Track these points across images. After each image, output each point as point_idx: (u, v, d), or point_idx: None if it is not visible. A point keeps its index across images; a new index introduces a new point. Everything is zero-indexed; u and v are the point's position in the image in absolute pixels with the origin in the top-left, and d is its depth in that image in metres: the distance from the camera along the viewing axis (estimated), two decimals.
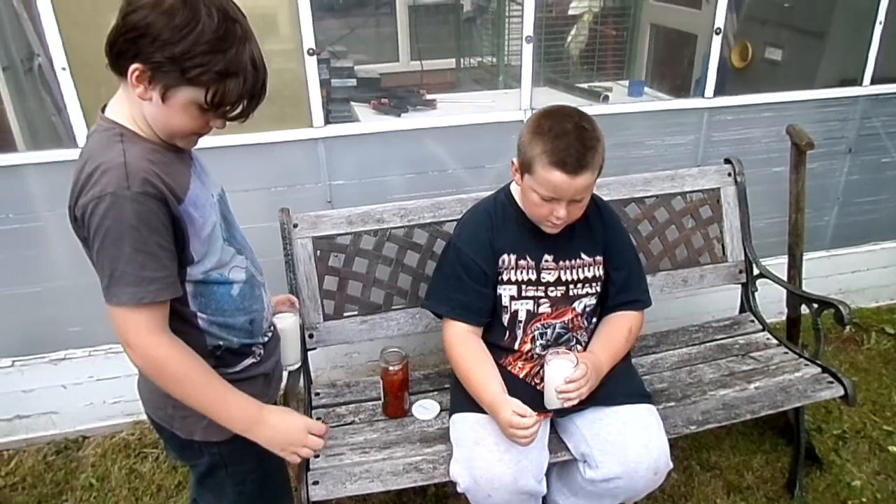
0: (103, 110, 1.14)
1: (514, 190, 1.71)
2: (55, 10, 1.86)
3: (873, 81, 2.62)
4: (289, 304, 1.57)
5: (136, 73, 1.03)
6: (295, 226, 1.87)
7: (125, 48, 1.03)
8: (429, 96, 2.56)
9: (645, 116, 2.46)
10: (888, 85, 2.65)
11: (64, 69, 1.92)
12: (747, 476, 2.16)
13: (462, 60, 3.55)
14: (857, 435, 2.32)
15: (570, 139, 1.49)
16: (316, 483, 1.60)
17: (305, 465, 1.65)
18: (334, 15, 3.56)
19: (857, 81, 2.63)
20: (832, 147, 2.69)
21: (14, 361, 2.24)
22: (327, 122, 2.20)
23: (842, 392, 1.86)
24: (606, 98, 2.58)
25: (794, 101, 2.54)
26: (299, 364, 1.55)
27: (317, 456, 1.68)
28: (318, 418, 1.84)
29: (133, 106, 1.09)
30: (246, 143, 2.11)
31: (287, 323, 1.47)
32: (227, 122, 1.13)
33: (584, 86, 2.73)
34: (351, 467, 1.66)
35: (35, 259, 2.14)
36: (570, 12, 3.04)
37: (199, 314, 1.19)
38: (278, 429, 1.20)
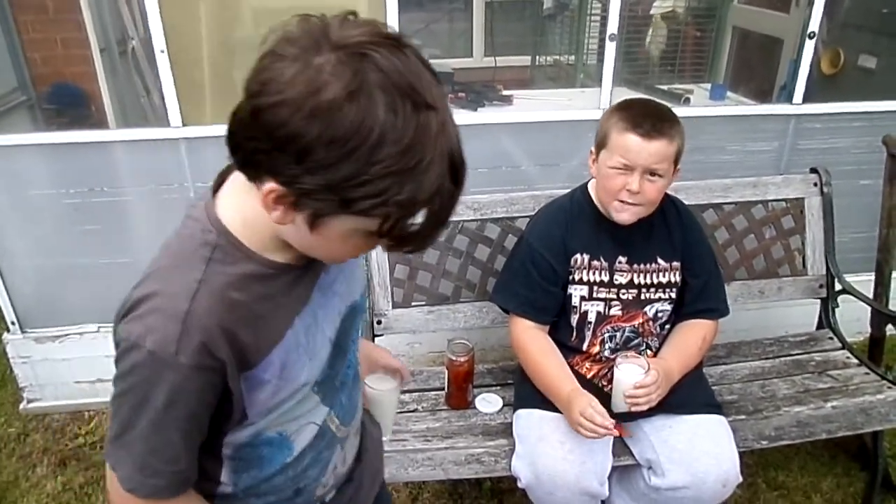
0: (217, 188, 0.82)
1: (591, 188, 1.69)
2: None
3: None
4: (392, 370, 1.18)
5: (273, 195, 0.70)
6: None
7: (255, 160, 0.70)
8: (505, 92, 2.56)
9: (727, 121, 2.38)
10: None
11: (162, 52, 1.99)
12: (815, 499, 2.08)
13: (538, 58, 3.52)
14: None
15: (647, 108, 1.55)
16: None
17: None
18: (409, 9, 3.60)
19: None
20: None
21: (99, 327, 2.35)
22: None
23: None
24: (688, 100, 2.52)
25: (889, 112, 2.41)
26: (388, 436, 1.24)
27: None
28: None
29: (251, 207, 0.75)
30: None
31: (379, 395, 1.16)
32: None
33: (664, 87, 2.67)
34: (414, 454, 1.68)
35: (125, 231, 2.24)
36: (653, 12, 2.98)
37: (227, 484, 0.91)
38: None
